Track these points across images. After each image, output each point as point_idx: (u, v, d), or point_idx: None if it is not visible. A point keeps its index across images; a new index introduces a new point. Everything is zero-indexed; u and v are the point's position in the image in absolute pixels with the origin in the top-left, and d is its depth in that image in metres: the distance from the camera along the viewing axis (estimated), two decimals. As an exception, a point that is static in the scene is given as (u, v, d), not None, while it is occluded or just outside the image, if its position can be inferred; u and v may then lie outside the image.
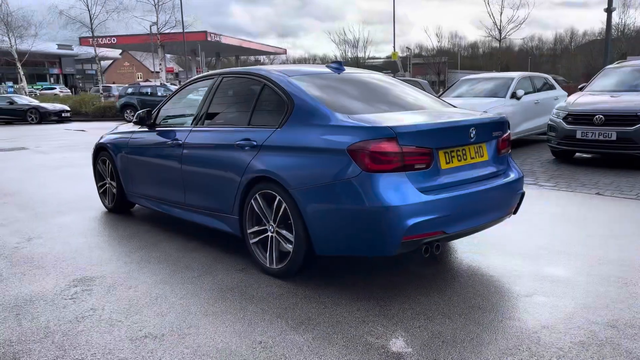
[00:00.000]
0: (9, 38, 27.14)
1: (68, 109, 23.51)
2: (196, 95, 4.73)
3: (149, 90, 22.80)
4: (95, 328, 2.90)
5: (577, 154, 8.62)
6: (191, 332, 2.84)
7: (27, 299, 3.32)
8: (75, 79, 58.20)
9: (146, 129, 4.96)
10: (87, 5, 26.83)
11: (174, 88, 23.11)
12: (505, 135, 3.83)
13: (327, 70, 4.20)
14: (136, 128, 5.16)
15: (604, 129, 7.64)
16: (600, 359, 2.52)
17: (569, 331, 2.79)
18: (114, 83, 49.31)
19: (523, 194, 3.93)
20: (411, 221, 3.06)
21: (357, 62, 57.15)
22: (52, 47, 54.84)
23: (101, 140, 5.64)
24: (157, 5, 27.60)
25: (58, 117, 22.78)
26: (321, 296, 3.30)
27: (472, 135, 3.44)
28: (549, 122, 8.53)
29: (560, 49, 75.59)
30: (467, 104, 9.75)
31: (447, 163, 3.35)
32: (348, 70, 4.29)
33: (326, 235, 3.31)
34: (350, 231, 3.20)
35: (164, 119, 4.91)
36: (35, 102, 23.91)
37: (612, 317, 2.95)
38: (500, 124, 3.78)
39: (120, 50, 61.95)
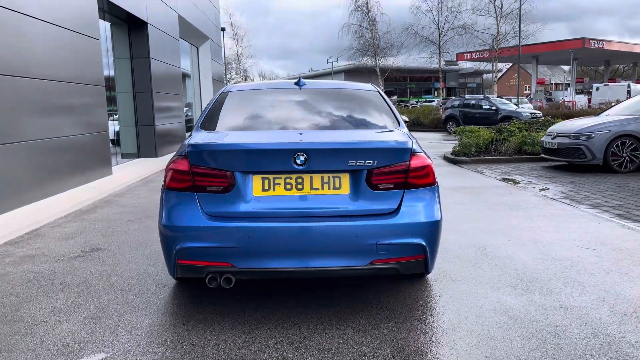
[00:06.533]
0: (376, 59, 31.82)
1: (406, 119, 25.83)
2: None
3: (473, 102, 22.91)
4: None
5: None
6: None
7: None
8: (455, 92, 62.26)
9: None
10: (438, 25, 28.72)
11: (500, 101, 22.50)
12: (391, 166, 2.98)
13: (287, 86, 4.07)
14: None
15: None
16: None
17: None
18: (499, 96, 50.39)
19: (423, 248, 2.97)
20: (184, 244, 2.95)
21: None
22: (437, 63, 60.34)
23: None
24: (498, 17, 27.06)
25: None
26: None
27: (298, 161, 2.91)
28: None
29: None
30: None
31: (264, 190, 2.98)
32: (310, 86, 4.01)
33: None
34: None
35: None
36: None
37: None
38: (376, 152, 2.98)
39: (510, 64, 62.66)
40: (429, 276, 3.89)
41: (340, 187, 2.98)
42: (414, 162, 3.02)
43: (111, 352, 2.81)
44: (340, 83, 4.34)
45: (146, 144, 13.18)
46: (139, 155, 13.13)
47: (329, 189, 2.98)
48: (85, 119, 9.02)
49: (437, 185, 3.16)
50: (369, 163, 2.95)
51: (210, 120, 3.60)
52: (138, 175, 9.82)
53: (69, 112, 8.43)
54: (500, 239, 4.93)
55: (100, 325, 3.16)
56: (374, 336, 2.95)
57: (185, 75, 18.77)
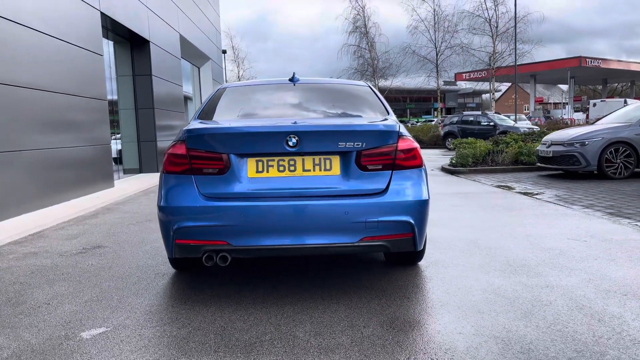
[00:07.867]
0: (374, 79, 32.27)
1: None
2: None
3: (471, 118, 23.15)
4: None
5: None
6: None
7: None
8: (454, 112, 62.87)
9: None
10: (435, 44, 29.21)
11: (498, 117, 22.74)
12: (379, 148, 3.12)
13: (282, 82, 4.24)
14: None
15: None
16: None
17: None
18: (497, 112, 50.76)
19: (411, 225, 3.09)
20: (182, 224, 3.07)
21: None
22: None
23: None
24: (494, 36, 27.54)
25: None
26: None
27: (290, 143, 3.05)
28: None
29: None
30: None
31: (258, 172, 3.12)
32: (304, 81, 4.19)
33: None
34: None
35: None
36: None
37: None
38: (365, 134, 3.12)
39: (508, 84, 63.25)
40: (421, 263, 4.00)
41: (331, 169, 3.12)
42: (401, 145, 3.16)
43: (111, 327, 2.92)
44: (333, 80, 4.53)
45: (148, 159, 13.36)
46: (140, 170, 13.30)
47: (320, 170, 3.11)
48: (88, 131, 9.21)
49: (425, 168, 3.30)
50: (358, 145, 3.10)
51: (207, 112, 3.77)
52: (140, 187, 9.97)
53: (73, 124, 8.63)
54: (492, 234, 5.04)
55: (101, 306, 3.27)
56: (365, 311, 3.06)
57: (187, 98, 19.09)
